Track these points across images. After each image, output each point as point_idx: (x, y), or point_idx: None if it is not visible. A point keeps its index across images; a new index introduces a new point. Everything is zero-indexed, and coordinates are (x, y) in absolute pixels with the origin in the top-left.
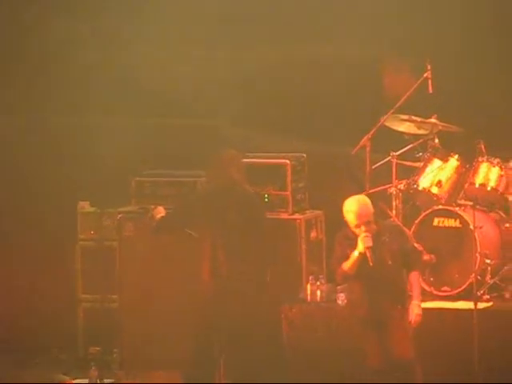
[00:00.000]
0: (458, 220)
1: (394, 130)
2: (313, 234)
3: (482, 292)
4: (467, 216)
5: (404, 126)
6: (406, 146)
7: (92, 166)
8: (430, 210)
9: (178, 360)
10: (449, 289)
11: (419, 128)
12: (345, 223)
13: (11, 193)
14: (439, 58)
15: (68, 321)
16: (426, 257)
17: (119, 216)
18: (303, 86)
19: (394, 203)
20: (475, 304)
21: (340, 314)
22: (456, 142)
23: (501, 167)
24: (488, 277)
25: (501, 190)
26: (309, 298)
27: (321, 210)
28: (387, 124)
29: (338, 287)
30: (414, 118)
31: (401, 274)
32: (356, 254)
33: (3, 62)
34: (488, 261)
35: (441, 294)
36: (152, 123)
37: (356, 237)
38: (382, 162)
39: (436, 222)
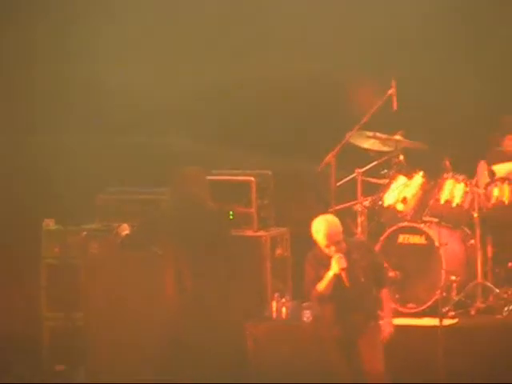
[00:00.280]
0: (423, 237)
1: (359, 147)
2: (278, 251)
3: (447, 309)
4: (432, 233)
5: (369, 143)
6: (371, 163)
7: (57, 183)
8: (395, 227)
9: (144, 376)
10: (414, 305)
11: (384, 145)
12: (314, 243)
13: None
14: (403, 75)
15: (33, 338)
16: (391, 273)
17: (84, 233)
18: (267, 103)
19: (359, 220)
20: (440, 321)
21: (305, 332)
22: (421, 159)
23: (466, 184)
24: (453, 293)
25: (466, 206)
26: (274, 315)
27: (286, 227)
28: (352, 141)
29: (304, 304)
30: (378, 134)
31: (371, 290)
32: (330, 275)
33: None
34: (453, 277)
35: (406, 310)
36: (114, 141)
37: (327, 257)
38: (347, 179)
39: (401, 238)
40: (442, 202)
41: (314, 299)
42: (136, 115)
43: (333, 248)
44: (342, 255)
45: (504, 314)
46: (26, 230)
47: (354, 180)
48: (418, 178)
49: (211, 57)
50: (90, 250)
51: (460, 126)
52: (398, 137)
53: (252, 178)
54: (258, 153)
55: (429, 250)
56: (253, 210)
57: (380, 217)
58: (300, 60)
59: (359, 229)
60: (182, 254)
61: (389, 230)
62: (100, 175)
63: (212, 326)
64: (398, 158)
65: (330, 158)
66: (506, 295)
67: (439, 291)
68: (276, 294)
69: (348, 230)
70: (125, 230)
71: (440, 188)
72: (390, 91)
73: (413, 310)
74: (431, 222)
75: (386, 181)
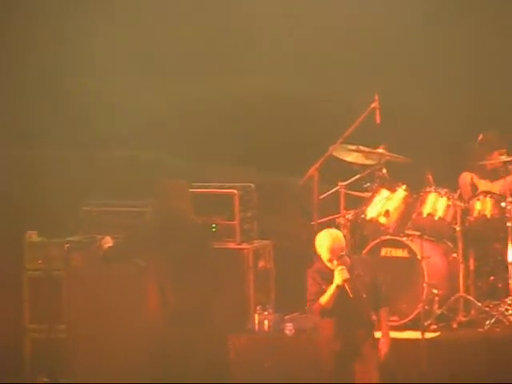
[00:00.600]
0: (405, 250)
1: (342, 160)
2: (261, 264)
3: (429, 322)
4: (415, 246)
5: (352, 157)
6: (353, 176)
7: (39, 195)
8: (377, 240)
9: None
10: (396, 319)
11: (367, 158)
12: (317, 257)
13: None
14: (386, 88)
15: (15, 351)
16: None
17: (67, 246)
18: (250, 116)
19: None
20: (422, 334)
21: (288, 344)
22: (404, 173)
23: (448, 197)
24: (435, 307)
25: (448, 220)
26: (256, 327)
27: (269, 240)
28: (335, 154)
29: (286, 317)
30: (361, 148)
31: (370, 307)
32: (333, 287)
33: None
34: (435, 291)
35: (388, 323)
36: (99, 154)
37: (329, 271)
38: (329, 192)
39: (384, 252)
40: (425, 215)
41: (316, 313)
42: (120, 129)
43: (336, 262)
44: (344, 267)
45: (486, 327)
46: (8, 242)
47: (336, 193)
48: (401, 192)
49: (197, 72)
50: (72, 262)
51: (442, 140)
52: (380, 150)
53: (235, 191)
54: (241, 167)
55: (411, 264)
56: (236, 222)
57: (363, 230)
58: (284, 75)
59: None
60: (165, 267)
61: (371, 244)
62: (83, 188)
63: (194, 338)
64: (380, 171)
65: (312, 171)
66: (487, 309)
67: (421, 304)
68: (258, 307)
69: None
70: (108, 242)
71: (422, 201)
72: (373, 105)
73: (395, 323)
74: (413, 236)
75: (369, 194)
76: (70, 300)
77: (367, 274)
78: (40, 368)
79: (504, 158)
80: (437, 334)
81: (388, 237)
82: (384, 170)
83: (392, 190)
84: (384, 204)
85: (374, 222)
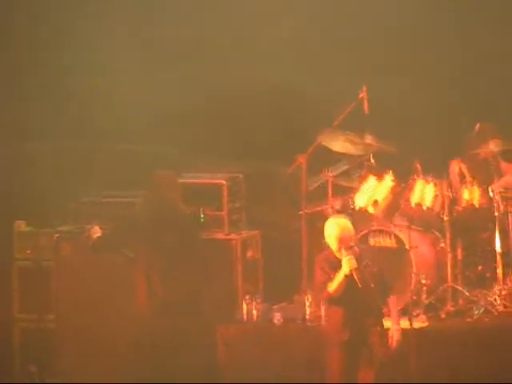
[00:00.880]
0: (393, 240)
1: (330, 150)
2: (249, 254)
3: (417, 312)
4: (403, 236)
5: (340, 146)
6: (342, 166)
7: (28, 185)
8: (366, 230)
9: (115, 378)
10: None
11: (355, 148)
12: (326, 246)
13: None
14: (375, 78)
15: (4, 340)
16: None
17: (56, 236)
18: (239, 107)
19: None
20: (411, 323)
21: (276, 334)
22: (391, 161)
23: (435, 185)
24: (424, 296)
25: (436, 209)
26: (245, 317)
27: (257, 230)
28: (324, 143)
29: (274, 307)
30: (349, 137)
31: (378, 296)
32: (341, 276)
33: None
34: (423, 281)
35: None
36: (87, 145)
37: (338, 260)
38: (318, 182)
39: (372, 241)
40: (413, 204)
41: (324, 301)
42: (109, 122)
43: (344, 251)
44: (352, 256)
45: (474, 316)
46: None
47: (324, 183)
48: (389, 181)
49: (179, 64)
50: (62, 252)
51: (431, 129)
52: (368, 140)
53: (223, 182)
54: (229, 157)
55: (399, 253)
56: (224, 213)
57: (351, 220)
58: (272, 65)
59: None
60: (153, 258)
61: (360, 233)
62: (73, 178)
63: (183, 329)
64: (368, 160)
65: (300, 160)
66: (475, 298)
67: (409, 294)
68: (247, 297)
69: (319, 232)
70: (96, 232)
71: (410, 190)
72: (361, 95)
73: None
74: (402, 225)
75: (357, 184)
76: (59, 290)
77: (375, 263)
78: (29, 358)
79: (495, 147)
80: (425, 323)
81: (376, 226)
82: (372, 160)
83: (380, 179)
84: (372, 193)
85: (362, 211)
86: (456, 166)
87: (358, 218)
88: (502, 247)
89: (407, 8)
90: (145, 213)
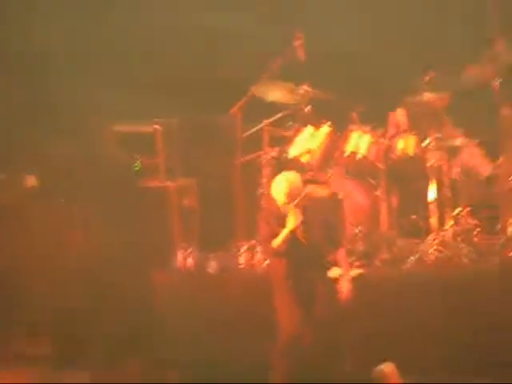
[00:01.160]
0: (327, 189)
1: (264, 100)
2: (185, 202)
3: (353, 259)
4: (337, 184)
5: (275, 95)
6: (277, 115)
7: None
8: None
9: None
10: None
11: (290, 96)
12: (271, 199)
13: None
14: (311, 24)
15: None
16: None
17: None
18: (175, 52)
19: (264, 172)
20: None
21: (210, 282)
22: (328, 110)
23: (372, 135)
24: (358, 244)
25: (371, 157)
26: (180, 265)
27: (194, 178)
28: (257, 94)
29: (210, 255)
30: (285, 86)
31: (326, 249)
32: (286, 231)
33: None
34: (358, 229)
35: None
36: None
37: (283, 214)
38: (253, 130)
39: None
40: (348, 153)
41: (269, 255)
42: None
43: (291, 205)
44: (298, 211)
45: (408, 264)
46: None
47: (259, 132)
48: (325, 129)
49: (127, 11)
50: None
51: (372, 76)
52: (304, 88)
53: (158, 127)
54: (165, 101)
55: (333, 202)
56: (159, 160)
57: (285, 169)
58: (213, 10)
59: (265, 180)
60: (90, 204)
61: None
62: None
63: (119, 273)
64: (304, 109)
65: (235, 109)
66: (410, 246)
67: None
68: (182, 245)
69: (254, 181)
70: (31, 181)
71: (345, 139)
72: (296, 42)
73: None
74: (336, 174)
75: (292, 132)
76: None
77: (322, 214)
78: None
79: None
80: (360, 270)
81: (310, 176)
82: (308, 108)
83: (316, 127)
84: (307, 142)
85: (296, 160)
86: (396, 115)
87: (292, 167)
88: (436, 197)
89: None
90: (81, 161)
